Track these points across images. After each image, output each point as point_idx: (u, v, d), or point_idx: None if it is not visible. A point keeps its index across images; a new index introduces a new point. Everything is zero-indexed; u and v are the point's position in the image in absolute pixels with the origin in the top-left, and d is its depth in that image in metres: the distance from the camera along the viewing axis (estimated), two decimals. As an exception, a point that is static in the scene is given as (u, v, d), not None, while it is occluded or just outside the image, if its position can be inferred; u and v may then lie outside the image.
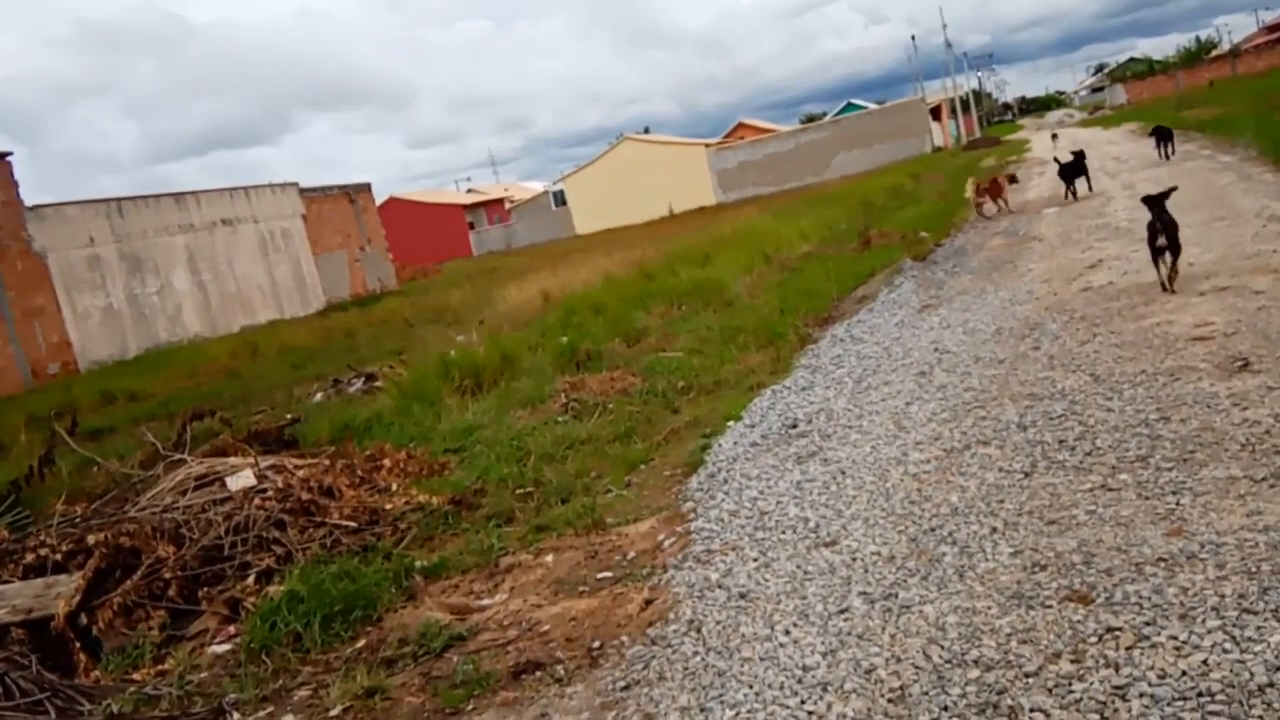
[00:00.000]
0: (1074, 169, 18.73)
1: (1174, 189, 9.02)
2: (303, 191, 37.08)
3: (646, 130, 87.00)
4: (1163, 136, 22.88)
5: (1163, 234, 8.43)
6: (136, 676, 4.96)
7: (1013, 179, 21.26)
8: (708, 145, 69.16)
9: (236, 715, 4.39)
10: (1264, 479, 4.42)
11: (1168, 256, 8.50)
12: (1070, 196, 18.59)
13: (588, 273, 20.16)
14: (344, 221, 39.17)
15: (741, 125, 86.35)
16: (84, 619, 5.44)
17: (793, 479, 5.93)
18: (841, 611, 4.10)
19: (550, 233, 67.07)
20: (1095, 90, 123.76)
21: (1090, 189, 18.89)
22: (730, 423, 7.56)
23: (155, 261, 30.05)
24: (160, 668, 5.04)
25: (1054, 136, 48.38)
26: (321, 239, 37.23)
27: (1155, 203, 8.47)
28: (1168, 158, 21.25)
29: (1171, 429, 5.30)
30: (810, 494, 5.60)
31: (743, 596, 4.47)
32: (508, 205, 77.64)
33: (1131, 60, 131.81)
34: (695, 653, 4.05)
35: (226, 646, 5.15)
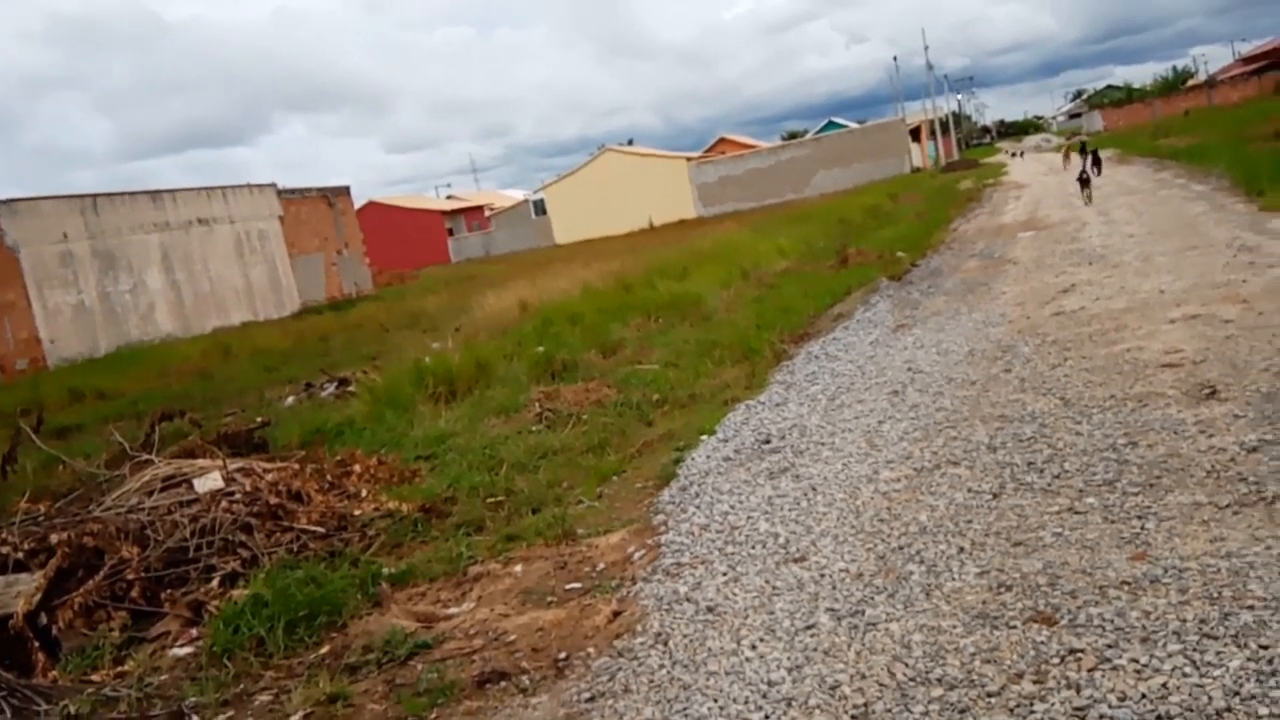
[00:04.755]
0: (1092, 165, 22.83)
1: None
2: (281, 193, 36.88)
3: (630, 142, 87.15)
4: (1091, 159, 24.58)
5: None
6: (95, 677, 4.90)
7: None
8: (689, 159, 69.38)
9: (196, 719, 4.34)
10: (1228, 506, 4.48)
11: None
12: (1087, 196, 21.13)
13: (566, 283, 20.14)
14: (321, 224, 38.99)
15: (723, 140, 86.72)
16: (44, 618, 5.37)
17: (764, 494, 5.94)
18: (808, 627, 4.10)
19: (530, 241, 66.98)
20: (1073, 116, 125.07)
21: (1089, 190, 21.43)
22: (704, 437, 7.57)
23: (129, 259, 29.79)
24: (120, 669, 4.98)
25: (1020, 154, 49.53)
26: (298, 241, 37.04)
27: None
28: (1087, 185, 21.85)
29: (1139, 454, 5.36)
30: (781, 509, 5.61)
31: (710, 610, 4.47)
32: (487, 213, 77.50)
33: (1110, 87, 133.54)
34: (661, 666, 4.04)
35: (188, 649, 5.10)
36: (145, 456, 7.93)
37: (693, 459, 7.02)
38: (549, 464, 7.48)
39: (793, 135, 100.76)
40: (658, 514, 6.02)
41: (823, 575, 4.60)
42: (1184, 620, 3.57)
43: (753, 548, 5.13)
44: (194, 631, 5.30)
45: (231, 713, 4.37)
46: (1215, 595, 3.70)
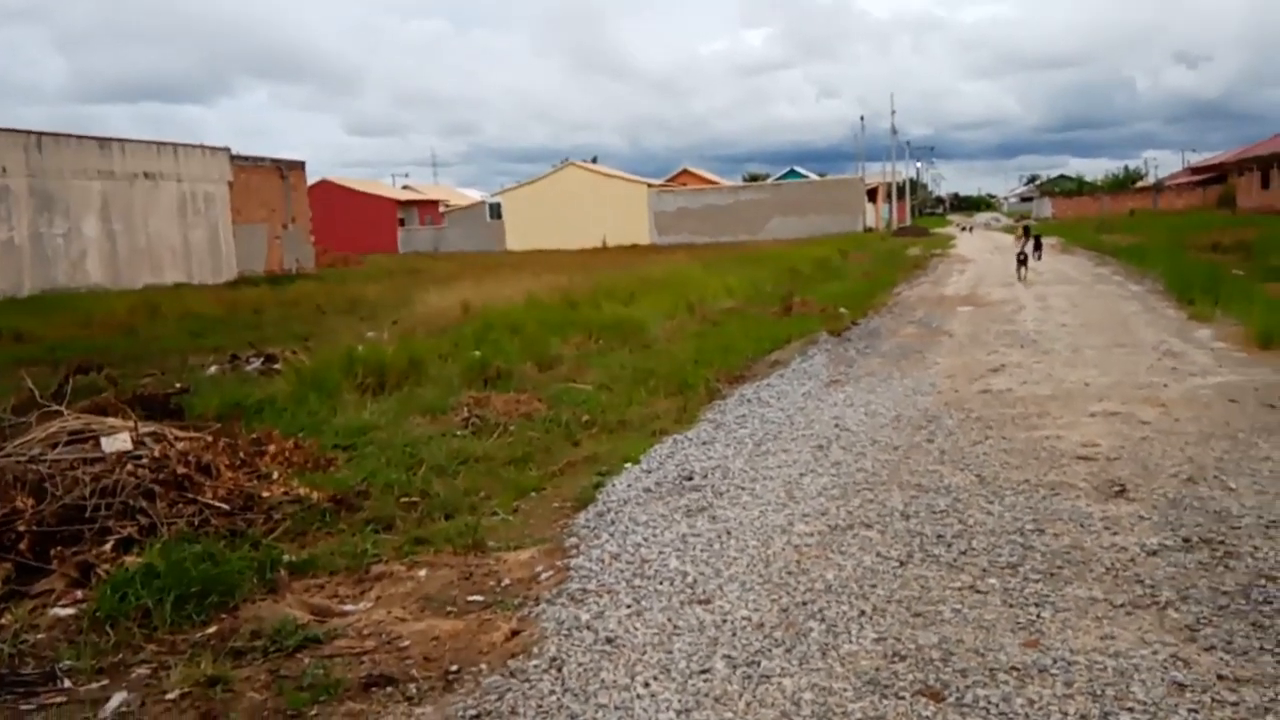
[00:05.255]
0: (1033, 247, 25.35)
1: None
2: (234, 158, 36.22)
3: (594, 159, 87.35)
4: (1034, 243, 26.36)
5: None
6: (-34, 629, 4.72)
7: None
8: (650, 185, 69.82)
9: (68, 683, 4.21)
10: (1122, 605, 4.60)
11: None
12: (1021, 275, 23.29)
13: (512, 290, 20.08)
14: (271, 195, 38.36)
15: (686, 171, 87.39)
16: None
17: (679, 531, 5.96)
18: (703, 671, 4.11)
19: (481, 244, 66.63)
20: (1024, 199, 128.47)
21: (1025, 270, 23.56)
22: (628, 464, 7.57)
23: (67, 203, 28.99)
24: (-6, 623, 4.80)
25: (970, 229, 50.83)
26: (245, 209, 36.38)
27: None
28: (1024, 265, 24.09)
29: (1044, 542, 5.48)
30: (693, 549, 5.62)
31: (609, 641, 4.46)
32: (442, 209, 76.99)
33: (1062, 177, 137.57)
34: (552, 692, 4.02)
35: (70, 611, 4.94)
36: (54, 407, 7.68)
37: (614, 485, 7.01)
38: (469, 471, 7.42)
39: (754, 177, 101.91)
40: (571, 536, 5.99)
41: (725, 620, 4.62)
42: (1066, 714, 3.65)
43: (660, 583, 5.13)
44: (79, 594, 5.13)
45: (106, 681, 4.23)
46: (1099, 693, 3.79)
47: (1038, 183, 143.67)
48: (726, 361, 12.06)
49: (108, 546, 5.52)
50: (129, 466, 6.21)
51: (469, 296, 18.76)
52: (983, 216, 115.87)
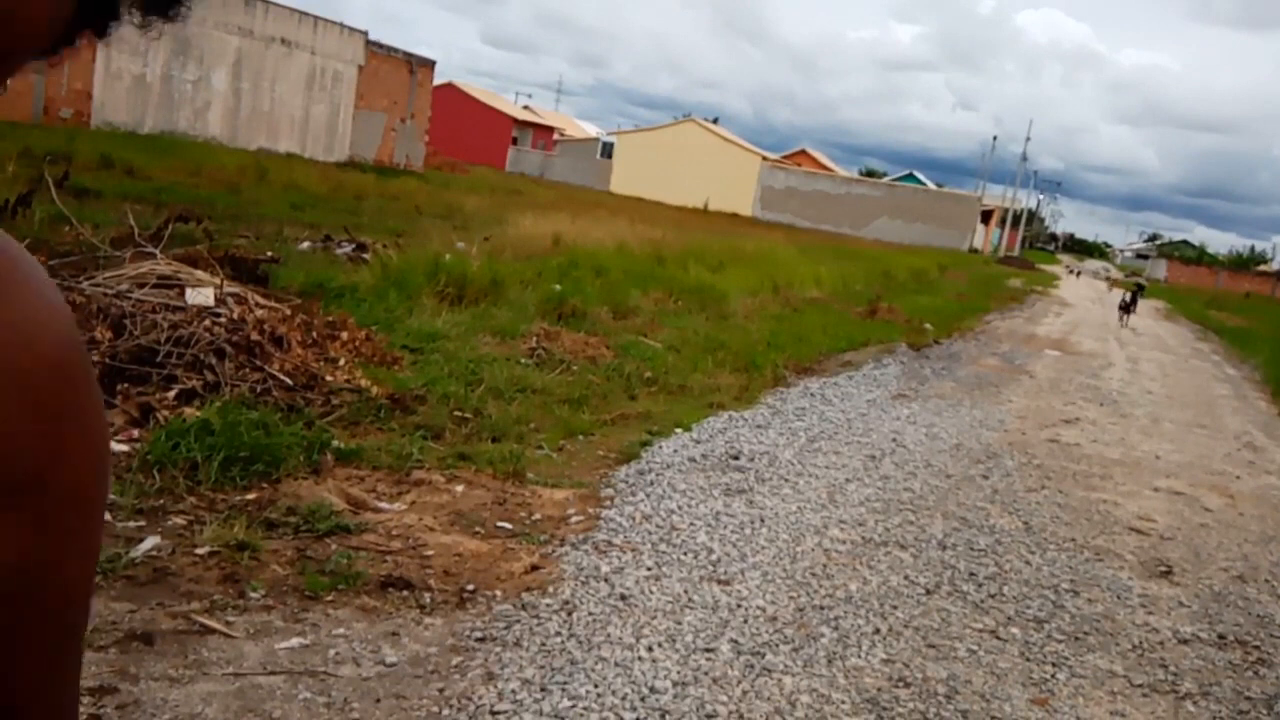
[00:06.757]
0: (1131, 300, 25.45)
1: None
2: (368, 43, 36.63)
3: (715, 120, 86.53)
4: (1134, 297, 26.30)
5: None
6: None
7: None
8: (765, 158, 69.01)
9: (107, 516, 4.37)
10: (1140, 685, 4.50)
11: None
12: (1124, 323, 24.19)
13: (605, 232, 20.09)
14: (396, 87, 38.75)
15: (803, 152, 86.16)
16: None
17: (714, 507, 5.97)
18: (708, 650, 4.14)
19: (586, 179, 66.71)
20: (1140, 256, 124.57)
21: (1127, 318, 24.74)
22: (679, 430, 7.59)
23: (203, 52, 29.60)
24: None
25: (1077, 274, 49.45)
26: (368, 96, 36.83)
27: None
28: (1127, 313, 25.32)
29: (1076, 604, 5.38)
30: (725, 528, 5.63)
31: (623, 599, 4.50)
32: (556, 137, 77.13)
33: (1184, 242, 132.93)
34: (558, 633, 4.08)
35: (125, 448, 5.12)
36: (150, 249, 7.93)
37: (660, 447, 7.03)
38: (525, 400, 7.50)
39: (870, 173, 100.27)
40: (608, 487, 6.04)
41: (740, 605, 4.63)
42: (1058, 778, 3.60)
43: (684, 554, 5.16)
44: (136, 432, 5.33)
45: (144, 523, 4.40)
46: (1096, 766, 3.73)
47: (1158, 242, 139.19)
48: (799, 351, 11.97)
49: (171, 394, 5.71)
50: (206, 322, 6.39)
51: (563, 229, 18.83)
52: (1093, 264, 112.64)
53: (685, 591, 4.69)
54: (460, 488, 5.56)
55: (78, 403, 0.63)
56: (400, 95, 39.13)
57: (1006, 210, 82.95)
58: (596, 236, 19.04)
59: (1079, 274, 67.51)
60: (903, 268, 30.27)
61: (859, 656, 4.33)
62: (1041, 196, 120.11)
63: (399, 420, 6.44)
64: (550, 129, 79.94)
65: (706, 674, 3.94)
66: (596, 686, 3.71)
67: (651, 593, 4.62)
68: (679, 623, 4.35)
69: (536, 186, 46.55)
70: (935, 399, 10.87)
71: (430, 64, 41.22)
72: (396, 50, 38.89)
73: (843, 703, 3.89)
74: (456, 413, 6.81)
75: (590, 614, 4.30)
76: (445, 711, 3.41)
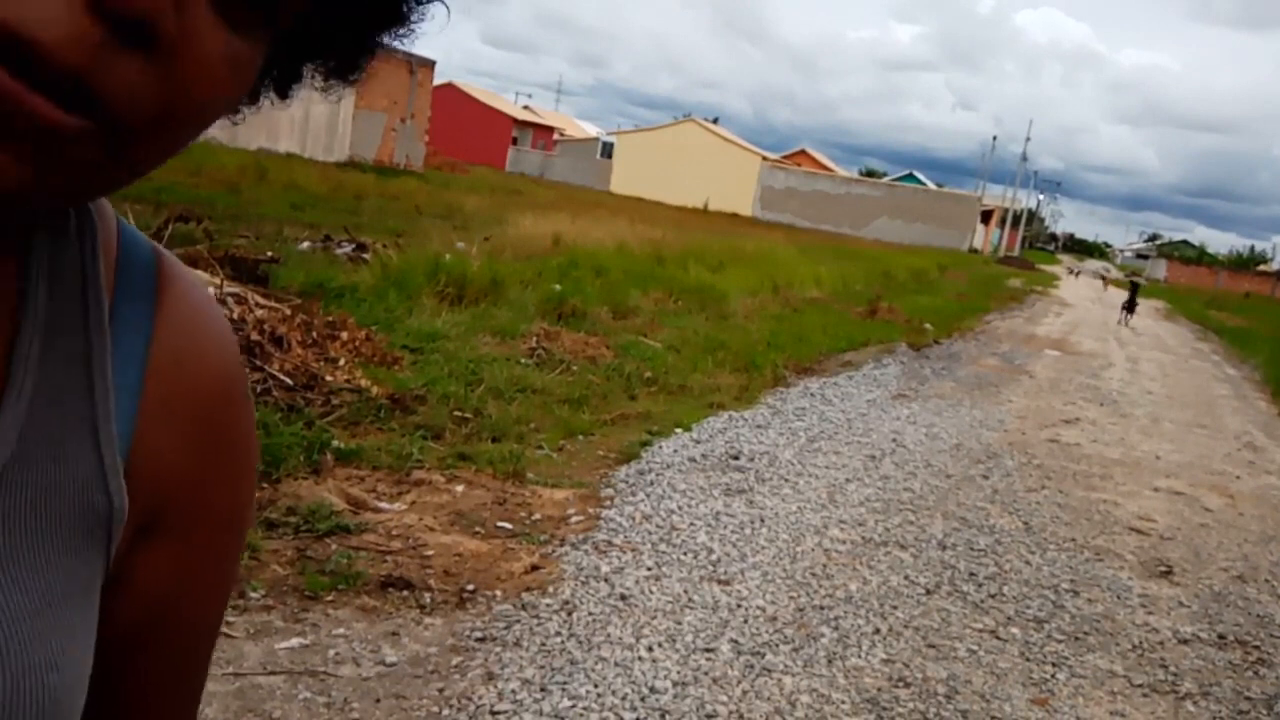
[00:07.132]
0: (1130, 300, 25.55)
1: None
2: (369, 44, 36.58)
3: (715, 120, 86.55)
4: (1132, 296, 26.37)
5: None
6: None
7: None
8: (765, 158, 69.03)
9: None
10: (1140, 685, 4.51)
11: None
12: (1124, 322, 24.62)
13: (605, 232, 20.09)
14: (396, 88, 38.75)
15: (802, 152, 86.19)
16: None
17: (714, 507, 5.97)
18: (708, 650, 4.14)
19: (586, 179, 66.72)
20: (1140, 256, 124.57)
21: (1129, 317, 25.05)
22: (679, 430, 7.59)
23: (203, 52, 29.55)
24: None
25: (1077, 274, 49.39)
26: (368, 96, 36.81)
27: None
28: (1128, 312, 25.68)
29: (1076, 604, 5.38)
30: (725, 528, 5.63)
31: (623, 599, 4.50)
32: (556, 137, 77.15)
33: (1184, 242, 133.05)
34: (558, 633, 4.08)
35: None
36: (150, 248, 7.91)
37: (660, 447, 7.03)
38: (525, 400, 7.50)
39: (870, 173, 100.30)
40: (608, 487, 6.04)
41: (740, 605, 4.63)
42: (1058, 778, 3.60)
43: (684, 554, 5.16)
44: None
45: (143, 523, 4.39)
46: (1096, 766, 3.73)
47: (1157, 242, 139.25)
48: (799, 351, 11.97)
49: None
50: (207, 321, 6.37)
51: (563, 229, 18.83)
52: (1094, 264, 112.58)
53: (685, 591, 4.69)
54: (460, 488, 5.56)
55: (240, 430, 0.62)
56: (400, 95, 39.13)
57: (1006, 210, 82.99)
58: (596, 236, 19.04)
59: (1079, 274, 67.42)
60: (902, 268, 30.27)
61: (859, 656, 4.33)
62: (1041, 196, 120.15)
63: (399, 420, 6.44)
64: (550, 129, 79.98)
65: (706, 674, 3.94)
66: (596, 686, 3.71)
67: (651, 593, 4.62)
68: (679, 623, 4.35)
69: (536, 186, 46.55)
70: (935, 399, 10.88)
71: (430, 64, 41.23)
72: (396, 51, 38.66)
73: (843, 703, 3.89)
74: (456, 413, 6.81)
75: (590, 614, 4.30)
76: (445, 711, 3.41)
